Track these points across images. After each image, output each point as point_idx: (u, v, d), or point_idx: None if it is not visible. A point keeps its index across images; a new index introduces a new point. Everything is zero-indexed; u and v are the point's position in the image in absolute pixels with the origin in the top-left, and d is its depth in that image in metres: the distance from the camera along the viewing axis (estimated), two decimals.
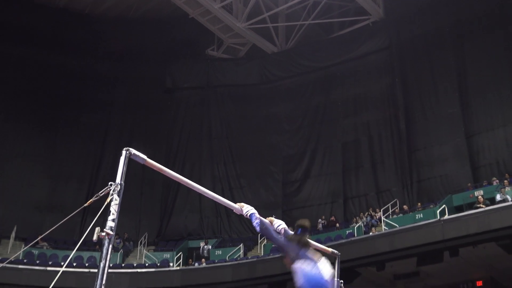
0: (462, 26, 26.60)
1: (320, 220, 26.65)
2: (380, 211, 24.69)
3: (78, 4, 31.57)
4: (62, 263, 22.72)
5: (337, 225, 25.78)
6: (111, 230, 4.20)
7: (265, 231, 5.63)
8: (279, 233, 5.72)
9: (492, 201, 20.43)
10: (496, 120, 24.91)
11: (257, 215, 5.70)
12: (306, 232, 5.52)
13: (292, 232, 5.65)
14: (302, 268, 5.22)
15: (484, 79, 25.64)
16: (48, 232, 7.08)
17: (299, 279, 5.24)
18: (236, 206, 5.92)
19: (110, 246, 4.23)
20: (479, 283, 22.31)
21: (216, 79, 31.74)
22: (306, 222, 5.61)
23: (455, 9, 26.87)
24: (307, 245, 5.47)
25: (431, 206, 23.06)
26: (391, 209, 24.67)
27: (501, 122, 24.74)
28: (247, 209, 5.81)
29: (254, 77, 31.48)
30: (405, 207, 24.35)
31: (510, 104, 24.69)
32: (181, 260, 25.87)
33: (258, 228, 5.64)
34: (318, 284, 5.18)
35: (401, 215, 23.50)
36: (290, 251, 5.39)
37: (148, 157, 4.87)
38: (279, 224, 5.80)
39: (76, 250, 23.16)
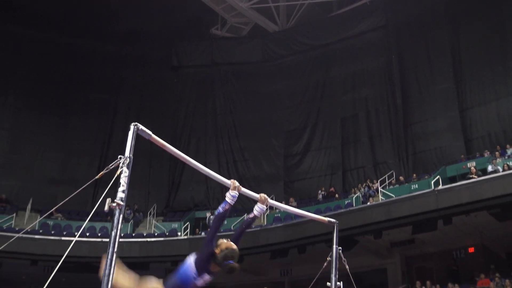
0: (456, 5, 26.42)
1: (320, 191, 26.73)
2: (377, 182, 24.75)
3: None
4: (76, 233, 22.90)
5: (336, 195, 25.87)
6: (122, 200, 4.23)
7: (215, 220, 5.41)
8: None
9: (484, 171, 20.49)
10: (488, 95, 24.89)
11: (228, 205, 5.42)
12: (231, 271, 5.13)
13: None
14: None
15: (477, 55, 25.56)
16: (62, 203, 7.10)
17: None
18: (229, 182, 5.74)
19: (121, 216, 4.26)
20: (471, 250, 22.46)
21: (220, 57, 31.65)
22: (235, 266, 5.13)
23: None
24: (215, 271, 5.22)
25: (426, 177, 23.13)
26: (387, 180, 24.73)
27: (493, 97, 24.71)
28: (229, 193, 5.55)
29: (256, 55, 31.38)
30: (401, 178, 24.41)
31: (502, 80, 24.64)
32: (188, 229, 26.03)
33: (217, 211, 5.38)
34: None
35: (397, 186, 23.58)
36: (205, 260, 5.18)
37: (155, 132, 4.88)
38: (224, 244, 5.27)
39: (89, 220, 23.05)
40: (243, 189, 5.90)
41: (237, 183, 5.63)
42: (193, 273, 5.16)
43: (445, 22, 26.60)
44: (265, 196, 5.99)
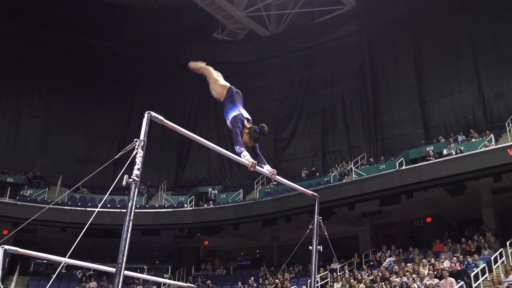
0: (418, 14, 26.33)
1: (303, 170, 26.78)
2: (351, 163, 24.82)
3: None
4: (98, 205, 22.88)
5: (317, 174, 25.92)
6: (137, 177, 4.21)
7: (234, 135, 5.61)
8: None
9: (440, 154, 20.53)
10: (444, 91, 24.89)
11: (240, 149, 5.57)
12: (260, 135, 5.64)
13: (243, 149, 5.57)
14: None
15: (435, 57, 25.54)
16: (86, 179, 7.07)
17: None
18: (246, 162, 5.67)
19: (136, 190, 4.24)
20: (429, 219, 22.62)
21: (220, 57, 31.47)
22: (265, 129, 5.72)
23: None
24: (256, 141, 5.72)
25: (392, 158, 23.17)
26: (360, 162, 24.78)
27: (448, 92, 24.71)
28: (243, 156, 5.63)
29: (251, 56, 31.24)
30: (371, 159, 24.46)
31: (455, 77, 24.63)
32: (193, 202, 26.07)
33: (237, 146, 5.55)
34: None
35: (367, 166, 23.61)
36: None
37: (166, 119, 4.85)
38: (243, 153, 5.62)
39: (109, 194, 23.23)
40: (258, 168, 5.75)
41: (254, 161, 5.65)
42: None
43: (408, 28, 26.51)
44: (275, 171, 5.95)
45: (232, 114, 5.84)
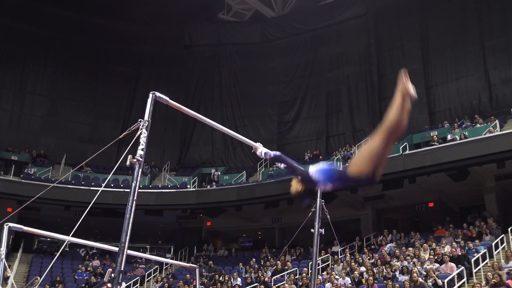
0: None
1: (306, 153, 26.79)
2: (355, 146, 24.80)
3: None
4: (102, 184, 23.00)
5: (320, 157, 25.88)
6: (141, 157, 4.22)
7: (283, 160, 4.67)
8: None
9: (444, 140, 20.50)
10: (450, 75, 24.75)
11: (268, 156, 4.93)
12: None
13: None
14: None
15: (442, 41, 25.35)
16: (90, 159, 7.11)
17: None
18: (255, 144, 5.40)
19: (140, 170, 4.26)
20: (431, 204, 22.64)
21: (225, 38, 31.36)
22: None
23: None
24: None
25: (395, 143, 23.11)
26: (364, 145, 24.74)
27: (454, 77, 24.57)
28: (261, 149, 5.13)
29: (256, 37, 31.04)
30: None
31: (462, 62, 24.47)
32: (196, 183, 26.13)
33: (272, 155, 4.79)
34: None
35: None
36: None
37: (170, 99, 4.86)
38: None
39: (113, 173, 23.38)
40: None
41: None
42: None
43: (415, 11, 26.29)
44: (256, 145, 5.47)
45: (315, 173, 4.23)
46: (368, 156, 3.88)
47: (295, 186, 4.52)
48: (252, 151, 5.52)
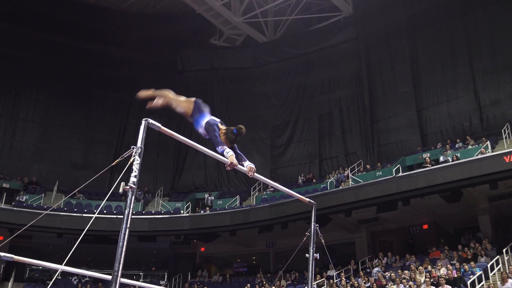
0: (415, 21, 26.43)
1: (300, 176, 26.78)
2: (348, 169, 24.83)
3: (106, 1, 31.34)
4: (95, 211, 22.85)
5: (314, 180, 25.91)
6: (134, 184, 4.22)
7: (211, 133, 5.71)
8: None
9: (437, 161, 20.58)
10: (441, 97, 24.95)
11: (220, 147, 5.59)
12: (237, 136, 5.67)
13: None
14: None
15: (432, 64, 25.64)
16: (83, 186, 7.07)
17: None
18: (227, 160, 5.54)
19: (133, 196, 4.25)
20: (425, 226, 22.61)
21: (217, 63, 31.57)
22: (242, 130, 5.72)
23: (410, 5, 26.71)
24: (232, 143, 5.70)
25: (388, 165, 23.19)
26: (356, 168, 24.80)
27: (445, 99, 24.77)
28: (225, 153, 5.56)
29: (248, 62, 31.28)
30: (367, 166, 24.47)
31: (452, 84, 24.70)
32: (189, 208, 26.03)
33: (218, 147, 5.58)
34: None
35: (364, 172, 23.63)
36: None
37: (163, 125, 4.87)
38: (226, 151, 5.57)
39: (106, 200, 23.31)
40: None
41: (234, 161, 5.53)
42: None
43: (405, 34, 26.61)
44: (253, 167, 5.78)
45: (204, 120, 5.96)
46: (181, 102, 6.48)
47: (222, 137, 5.70)
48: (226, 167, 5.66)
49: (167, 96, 6.75)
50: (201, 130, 6.00)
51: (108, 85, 30.49)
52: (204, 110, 6.21)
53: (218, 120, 6.00)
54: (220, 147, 5.57)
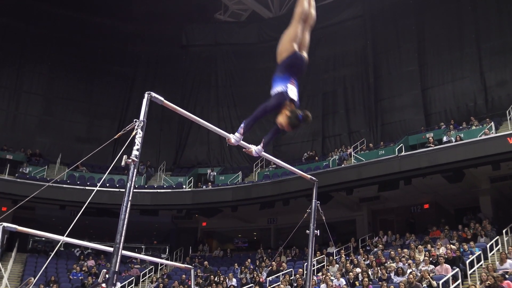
0: None
1: (306, 154, 26.82)
2: (350, 148, 24.85)
3: None
4: (97, 184, 22.92)
5: (316, 158, 25.94)
6: (136, 157, 4.22)
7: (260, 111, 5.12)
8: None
9: (440, 141, 20.54)
10: (446, 77, 24.81)
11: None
12: (300, 123, 5.01)
13: None
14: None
15: (438, 43, 25.41)
16: (86, 158, 7.09)
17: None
18: (228, 135, 5.39)
19: (135, 170, 4.25)
20: (426, 206, 22.71)
21: (222, 39, 31.37)
22: (309, 118, 4.99)
23: None
24: (293, 128, 5.09)
25: (391, 144, 23.19)
26: (359, 146, 24.80)
27: (450, 78, 24.64)
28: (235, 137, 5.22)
29: (253, 37, 31.07)
30: (370, 145, 24.47)
31: (458, 64, 24.53)
32: (192, 183, 26.12)
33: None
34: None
35: (367, 151, 23.64)
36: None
37: (166, 100, 4.85)
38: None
39: (108, 173, 23.33)
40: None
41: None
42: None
43: (412, 13, 26.35)
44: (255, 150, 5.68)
45: (278, 88, 5.14)
46: (286, 40, 5.40)
47: (282, 118, 5.06)
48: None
49: (297, 13, 5.68)
50: (272, 91, 5.22)
51: (112, 58, 30.42)
52: (291, 74, 5.28)
53: (292, 96, 5.12)
54: (244, 124, 5.10)
